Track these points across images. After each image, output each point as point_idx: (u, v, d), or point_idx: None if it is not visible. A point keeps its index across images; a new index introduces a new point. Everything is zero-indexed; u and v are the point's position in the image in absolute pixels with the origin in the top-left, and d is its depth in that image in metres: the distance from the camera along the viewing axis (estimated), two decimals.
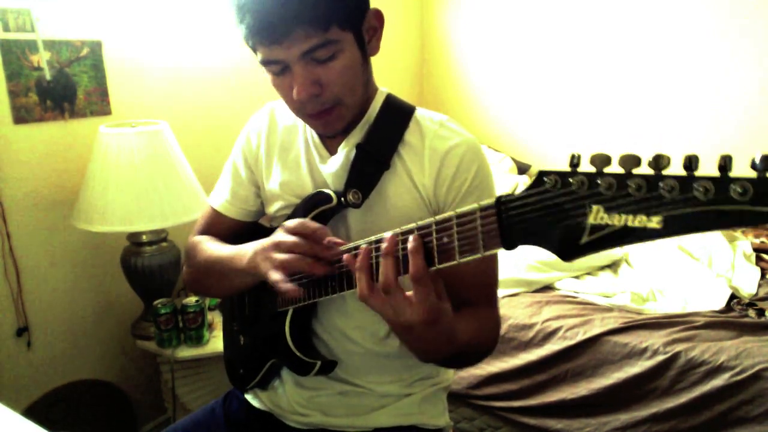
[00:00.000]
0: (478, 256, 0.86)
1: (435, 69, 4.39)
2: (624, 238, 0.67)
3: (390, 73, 4.15)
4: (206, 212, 1.53)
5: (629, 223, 0.66)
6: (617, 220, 0.67)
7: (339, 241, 1.12)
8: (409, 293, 0.94)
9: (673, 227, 0.63)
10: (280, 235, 1.14)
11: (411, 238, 0.94)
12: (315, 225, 1.13)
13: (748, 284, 2.80)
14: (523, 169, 3.90)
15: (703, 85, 3.38)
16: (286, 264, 1.11)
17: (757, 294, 2.74)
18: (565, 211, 0.72)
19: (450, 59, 4.29)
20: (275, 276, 1.12)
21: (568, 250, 0.73)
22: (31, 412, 2.38)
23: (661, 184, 0.64)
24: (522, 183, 3.55)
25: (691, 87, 3.42)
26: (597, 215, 0.68)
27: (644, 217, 0.64)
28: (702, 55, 3.36)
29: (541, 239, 0.76)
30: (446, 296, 0.99)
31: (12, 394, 2.36)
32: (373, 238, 1.04)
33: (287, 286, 1.11)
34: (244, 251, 1.25)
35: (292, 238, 1.11)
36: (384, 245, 0.96)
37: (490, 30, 4.05)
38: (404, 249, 0.95)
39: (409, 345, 1.04)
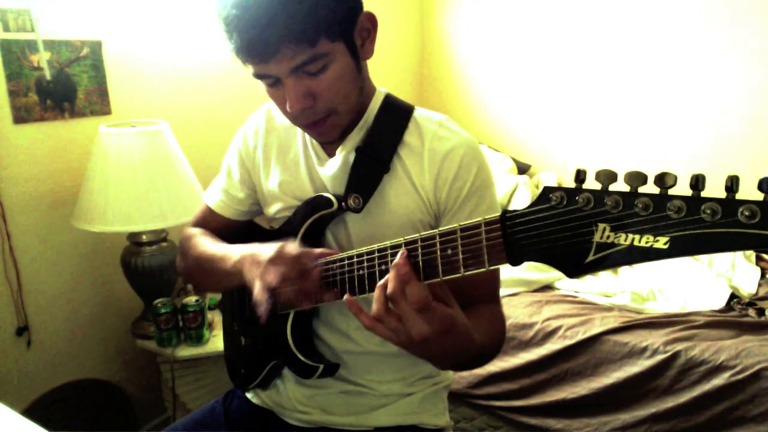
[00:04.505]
0: (483, 270, 0.86)
1: (435, 69, 4.38)
2: (630, 258, 0.67)
3: (390, 73, 4.15)
4: (202, 207, 1.56)
5: (636, 243, 0.65)
6: (623, 239, 0.66)
7: (329, 251, 1.16)
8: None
9: (679, 248, 0.63)
10: (275, 257, 1.14)
11: (398, 254, 0.95)
12: (310, 264, 1.15)
13: (748, 284, 2.80)
14: (523, 169, 3.89)
15: (704, 83, 3.37)
16: (276, 290, 1.14)
17: (757, 293, 2.75)
18: (571, 229, 0.72)
19: (450, 59, 4.28)
20: (261, 295, 1.14)
21: (573, 268, 0.72)
22: (31, 412, 2.38)
23: (668, 205, 0.63)
24: (522, 183, 3.55)
25: (693, 85, 3.41)
26: (603, 234, 0.68)
27: (651, 237, 0.64)
28: (702, 55, 3.35)
29: (547, 256, 0.76)
30: (454, 302, 0.98)
31: (12, 394, 2.36)
32: (363, 249, 1.07)
33: (262, 309, 1.14)
34: (231, 253, 1.28)
35: (284, 268, 1.12)
36: (397, 259, 0.95)
37: (490, 30, 4.04)
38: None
39: (431, 360, 1.03)
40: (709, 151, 3.40)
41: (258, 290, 1.15)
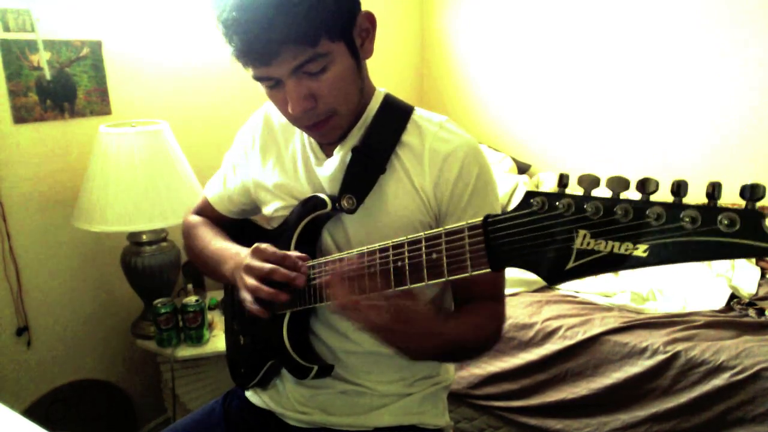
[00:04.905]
0: (467, 275, 0.86)
1: (435, 69, 4.38)
2: (610, 265, 0.66)
3: (390, 73, 4.14)
4: (202, 197, 1.60)
5: (615, 250, 0.65)
6: (603, 246, 0.66)
7: (303, 256, 1.20)
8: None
9: (659, 256, 0.62)
10: (251, 260, 1.20)
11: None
12: (282, 255, 1.19)
13: (748, 284, 2.79)
14: (523, 168, 3.89)
15: (704, 83, 3.36)
16: (256, 291, 1.17)
17: (757, 293, 2.74)
18: (552, 235, 0.71)
19: (450, 59, 4.28)
20: (246, 297, 1.21)
21: (553, 275, 0.72)
22: (31, 412, 2.39)
23: (648, 212, 0.63)
24: (522, 182, 3.54)
25: (693, 85, 3.40)
26: (583, 240, 0.67)
27: (630, 245, 0.64)
28: (702, 55, 3.34)
29: (528, 262, 0.76)
30: (415, 297, 1.06)
31: (12, 394, 2.37)
32: (354, 251, 1.11)
33: (254, 307, 1.20)
34: (228, 258, 1.33)
35: (262, 265, 1.17)
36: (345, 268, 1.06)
37: (490, 30, 4.03)
38: (395, 262, 0.97)
39: (394, 347, 1.10)
40: (709, 151, 3.40)
41: (244, 296, 1.21)
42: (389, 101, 1.29)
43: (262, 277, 1.17)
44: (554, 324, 2.51)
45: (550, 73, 3.88)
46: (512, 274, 2.78)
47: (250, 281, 1.18)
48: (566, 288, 2.85)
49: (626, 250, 0.64)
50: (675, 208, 0.62)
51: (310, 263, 1.19)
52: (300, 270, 1.17)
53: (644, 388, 2.30)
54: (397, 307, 1.01)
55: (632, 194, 0.65)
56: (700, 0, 3.30)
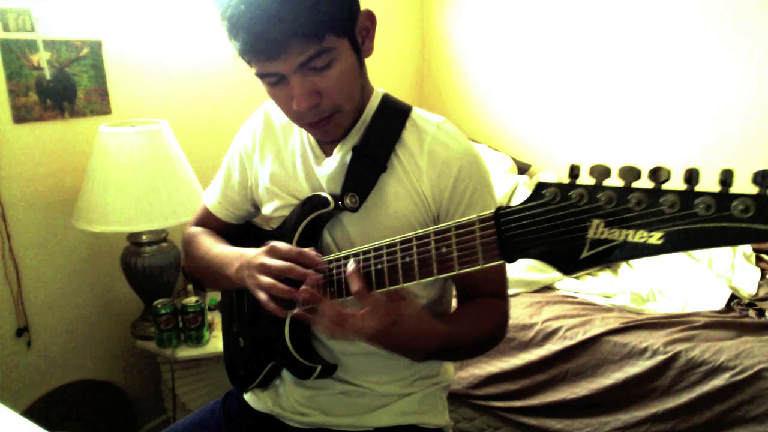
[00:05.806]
0: (478, 267, 0.86)
1: (435, 69, 4.38)
2: (624, 254, 0.66)
3: (390, 73, 4.15)
4: (201, 207, 1.58)
5: (630, 239, 0.65)
6: (617, 235, 0.66)
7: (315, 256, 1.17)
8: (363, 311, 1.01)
9: (674, 243, 0.62)
10: (266, 258, 1.16)
11: (351, 261, 1.03)
12: (298, 251, 1.16)
13: (748, 284, 2.80)
14: (523, 168, 3.89)
15: (704, 80, 3.37)
16: (271, 289, 1.14)
17: (757, 294, 2.74)
18: (565, 225, 0.71)
19: (450, 59, 4.28)
20: (261, 296, 1.17)
21: (567, 265, 0.72)
22: (31, 412, 2.38)
23: (661, 200, 0.63)
24: (522, 182, 3.54)
25: (693, 84, 3.41)
26: (597, 230, 0.67)
27: (645, 233, 0.63)
28: (702, 54, 3.35)
29: (541, 253, 0.75)
30: (402, 296, 1.05)
31: (12, 395, 2.36)
32: (359, 249, 1.09)
33: (272, 306, 1.15)
34: (232, 259, 1.29)
35: (278, 263, 1.14)
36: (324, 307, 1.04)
37: (490, 30, 4.04)
38: (403, 257, 0.97)
39: (394, 350, 1.09)
40: (710, 150, 3.40)
41: (261, 296, 1.17)
42: (387, 101, 1.30)
43: (278, 275, 1.13)
44: (554, 324, 2.51)
45: (550, 72, 3.89)
46: (512, 274, 2.79)
47: (265, 279, 1.14)
48: (566, 288, 2.85)
49: (641, 238, 0.64)
50: (688, 195, 0.62)
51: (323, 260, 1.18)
52: (316, 267, 1.14)
53: (644, 389, 2.30)
54: (386, 309, 1.01)
55: (643, 184, 0.65)
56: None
